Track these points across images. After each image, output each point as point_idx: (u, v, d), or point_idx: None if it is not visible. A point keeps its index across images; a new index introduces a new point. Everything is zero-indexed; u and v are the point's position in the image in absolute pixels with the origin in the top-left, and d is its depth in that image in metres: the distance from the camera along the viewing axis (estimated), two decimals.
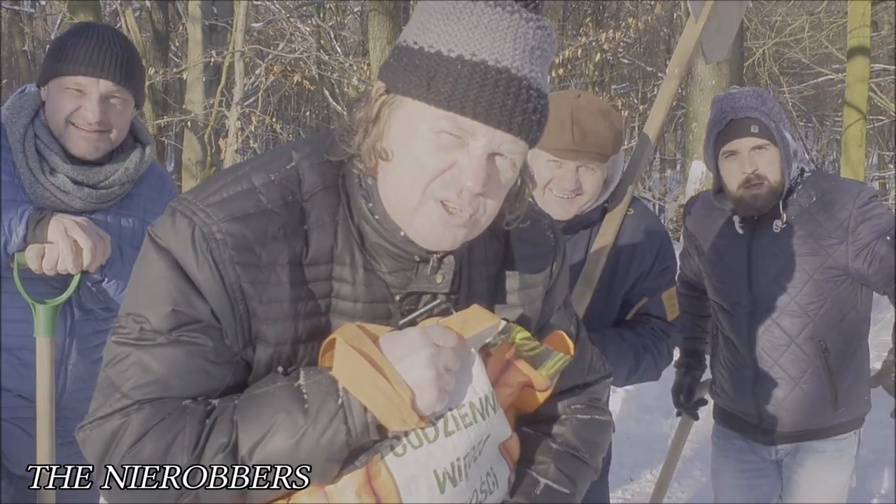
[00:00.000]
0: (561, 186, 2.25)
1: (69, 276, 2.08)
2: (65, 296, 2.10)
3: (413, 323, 1.24)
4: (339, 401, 1.11)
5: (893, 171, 15.45)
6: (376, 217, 1.21)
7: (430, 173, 1.14)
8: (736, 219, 2.63)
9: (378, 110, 1.18)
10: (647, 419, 5.86)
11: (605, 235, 2.36)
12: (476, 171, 1.13)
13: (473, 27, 1.12)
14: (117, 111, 2.12)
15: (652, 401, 6.13)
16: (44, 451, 2.12)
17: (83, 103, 2.07)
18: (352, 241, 1.22)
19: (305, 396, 1.12)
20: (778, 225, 2.54)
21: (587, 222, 2.38)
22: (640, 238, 2.40)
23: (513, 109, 1.12)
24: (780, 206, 2.53)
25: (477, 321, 1.21)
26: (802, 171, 2.59)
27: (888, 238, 2.42)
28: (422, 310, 1.26)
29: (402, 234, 1.20)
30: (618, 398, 6.04)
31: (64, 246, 2.00)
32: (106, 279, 2.16)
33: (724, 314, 2.73)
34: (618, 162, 2.41)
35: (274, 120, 11.12)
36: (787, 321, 2.59)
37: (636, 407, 6.01)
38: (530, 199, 1.32)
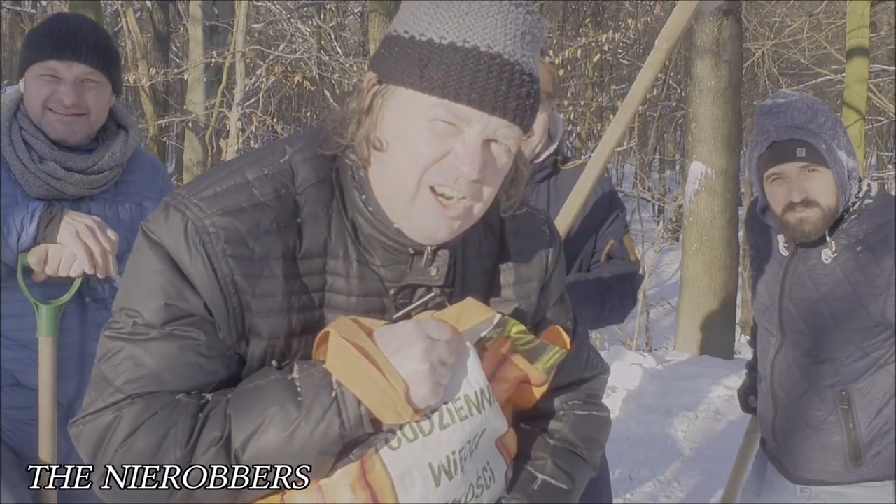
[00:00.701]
0: None
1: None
2: (67, 296, 2.09)
3: (408, 316, 1.24)
4: (333, 394, 1.11)
5: (892, 172, 15.45)
6: (370, 209, 1.21)
7: (425, 161, 1.14)
8: (781, 237, 2.37)
9: (371, 101, 1.17)
10: (647, 419, 5.86)
11: (577, 197, 2.49)
12: (472, 157, 1.13)
13: (464, 14, 1.12)
14: (93, 94, 2.13)
15: (652, 401, 6.13)
16: (45, 450, 2.10)
17: (58, 87, 2.09)
18: (345, 235, 1.22)
19: (299, 389, 1.12)
20: (827, 255, 2.22)
21: (542, 174, 2.59)
22: (594, 190, 2.60)
23: (507, 95, 1.12)
24: (827, 234, 2.22)
25: (472, 314, 1.20)
26: (867, 193, 2.26)
27: None
28: (416, 303, 1.26)
29: (395, 226, 1.20)
30: (618, 398, 6.04)
31: (77, 249, 2.01)
32: (115, 279, 2.15)
33: (760, 337, 2.53)
34: (557, 118, 2.68)
35: (275, 120, 11.13)
36: (806, 364, 2.32)
37: (636, 407, 6.00)
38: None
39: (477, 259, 1.34)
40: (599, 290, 2.51)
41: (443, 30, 1.12)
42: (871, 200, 2.25)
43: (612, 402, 5.91)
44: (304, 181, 1.22)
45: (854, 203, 2.24)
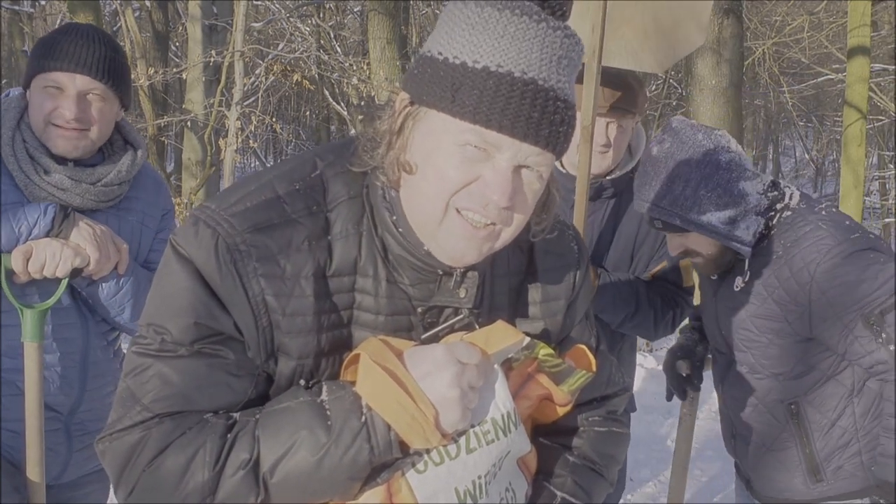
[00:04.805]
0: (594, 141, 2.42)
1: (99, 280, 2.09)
2: (52, 300, 2.06)
3: (436, 337, 1.23)
4: (363, 418, 1.10)
5: (893, 171, 15.42)
6: (400, 230, 1.19)
7: (453, 185, 1.12)
8: None
9: (402, 122, 1.16)
10: (647, 419, 5.87)
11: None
12: (502, 185, 1.10)
13: (499, 37, 1.09)
14: (96, 108, 2.08)
15: (652, 401, 6.13)
16: (33, 457, 2.06)
17: (61, 101, 2.05)
18: (375, 253, 1.20)
19: (328, 413, 1.11)
20: (738, 283, 2.22)
21: (614, 190, 2.56)
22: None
23: (539, 122, 1.09)
24: (745, 263, 2.19)
25: (501, 337, 1.19)
26: (787, 205, 2.19)
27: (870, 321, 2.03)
28: (444, 324, 1.25)
29: (425, 248, 1.18)
30: None
31: (92, 251, 2.01)
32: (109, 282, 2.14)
33: (712, 355, 2.53)
34: (640, 133, 2.61)
35: (274, 120, 11.09)
36: (753, 380, 2.29)
37: (636, 407, 6.00)
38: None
39: (504, 276, 1.33)
40: (637, 296, 2.49)
41: (477, 53, 1.09)
42: (789, 213, 2.19)
43: None
44: (335, 197, 1.20)
45: (773, 216, 2.18)
